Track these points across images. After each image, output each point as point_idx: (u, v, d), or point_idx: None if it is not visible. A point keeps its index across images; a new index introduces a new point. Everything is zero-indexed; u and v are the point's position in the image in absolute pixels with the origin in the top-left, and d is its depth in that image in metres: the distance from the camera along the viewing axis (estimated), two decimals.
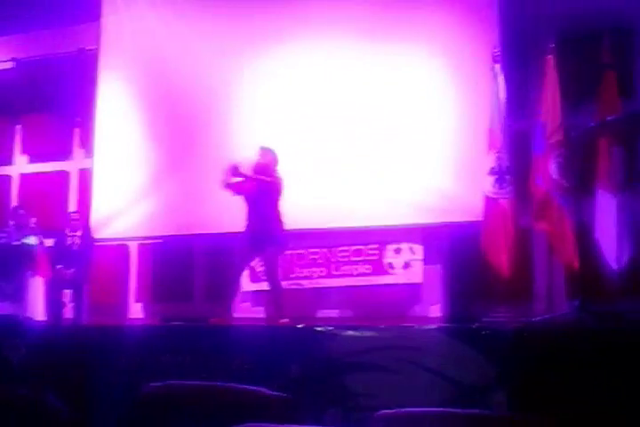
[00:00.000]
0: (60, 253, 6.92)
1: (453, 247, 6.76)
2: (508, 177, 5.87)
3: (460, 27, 6.55)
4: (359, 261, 6.82)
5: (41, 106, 8.55)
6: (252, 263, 6.16)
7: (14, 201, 8.58)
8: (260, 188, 5.62)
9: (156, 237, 7.75)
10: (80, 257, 6.92)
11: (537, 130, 5.98)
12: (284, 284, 6.43)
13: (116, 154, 7.75)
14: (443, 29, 6.61)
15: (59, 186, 8.55)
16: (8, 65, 8.67)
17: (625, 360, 3.35)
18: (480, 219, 5.96)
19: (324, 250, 6.91)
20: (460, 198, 6.33)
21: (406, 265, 6.68)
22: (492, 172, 5.91)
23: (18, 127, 8.98)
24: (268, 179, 5.63)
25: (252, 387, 2.15)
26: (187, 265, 7.77)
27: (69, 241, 6.98)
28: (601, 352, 3.41)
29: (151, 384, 2.09)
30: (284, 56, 7.12)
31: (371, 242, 6.80)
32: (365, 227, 6.68)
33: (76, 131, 8.58)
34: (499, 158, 5.91)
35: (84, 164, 8.29)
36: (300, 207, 6.42)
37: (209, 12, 7.52)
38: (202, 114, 7.38)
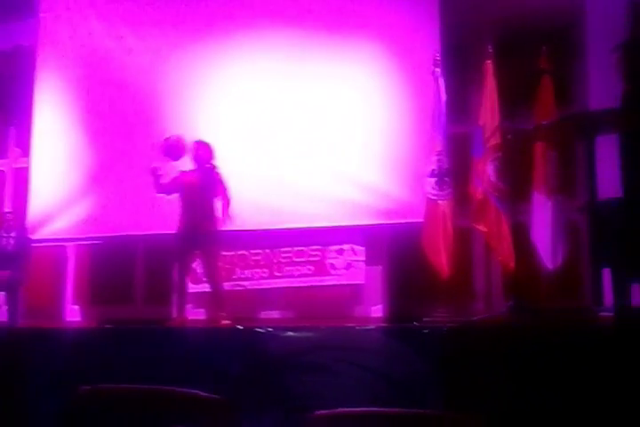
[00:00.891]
0: None
1: (395, 248, 6.84)
2: (447, 179, 5.97)
3: (401, 31, 6.63)
4: (301, 262, 6.83)
5: None
6: (194, 264, 6.08)
7: None
8: (197, 183, 5.52)
9: (94, 238, 7.61)
10: (15, 259, 6.76)
11: (476, 133, 6.10)
12: (226, 285, 6.39)
13: (54, 153, 7.59)
14: (384, 34, 6.67)
15: None
16: None
17: (558, 358, 3.44)
18: (421, 220, 6.05)
19: (267, 251, 6.90)
20: (402, 200, 6.42)
21: (348, 266, 6.72)
22: (433, 174, 6.01)
23: None
24: (208, 166, 5.54)
25: (187, 390, 2.12)
26: (126, 267, 7.66)
27: (4, 242, 6.82)
28: (536, 350, 3.49)
29: (83, 388, 2.05)
30: (221, 54, 7.10)
31: (313, 243, 6.81)
32: (307, 228, 6.69)
33: (12, 129, 8.39)
34: (439, 161, 6.01)
35: (20, 163, 8.11)
36: (243, 208, 6.39)
37: (147, 13, 7.45)
38: (139, 114, 7.30)
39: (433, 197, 5.99)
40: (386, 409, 2.26)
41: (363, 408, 2.05)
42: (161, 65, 7.31)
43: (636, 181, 4.42)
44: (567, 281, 5.50)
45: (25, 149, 7.93)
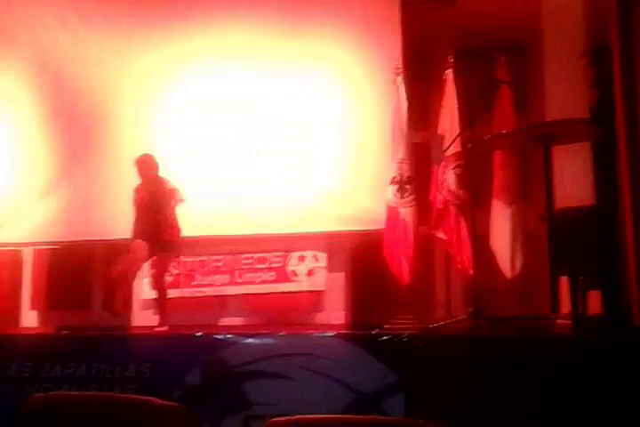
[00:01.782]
0: None
1: (357, 255, 6.85)
2: (408, 186, 6.01)
3: (362, 40, 6.64)
4: (263, 268, 6.80)
5: None
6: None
7: None
8: (147, 196, 5.51)
9: (52, 243, 7.48)
10: None
11: (436, 141, 6.17)
12: (187, 291, 6.36)
13: (10, 154, 7.43)
14: (346, 42, 6.68)
15: None
16: None
17: (516, 365, 3.48)
18: (382, 227, 6.08)
19: (228, 257, 6.86)
20: (364, 207, 6.43)
21: (310, 272, 6.71)
22: (394, 181, 6.05)
23: None
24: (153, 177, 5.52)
25: (143, 397, 2.10)
26: (84, 272, 7.55)
27: None
28: (494, 357, 3.53)
29: (35, 395, 2.01)
30: (181, 55, 7.04)
31: (275, 249, 6.79)
32: (269, 234, 6.67)
33: None
34: (400, 168, 6.06)
35: None
36: (204, 214, 6.36)
37: (107, 12, 7.36)
38: (100, 114, 7.18)
39: (394, 205, 6.03)
40: (344, 416, 2.26)
41: (320, 415, 2.04)
42: (122, 64, 7.21)
43: (603, 191, 4.54)
44: (525, 289, 5.59)
45: None
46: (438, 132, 6.11)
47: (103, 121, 7.19)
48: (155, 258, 5.52)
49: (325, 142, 6.68)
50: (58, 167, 7.27)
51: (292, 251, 6.76)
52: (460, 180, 5.81)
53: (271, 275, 6.79)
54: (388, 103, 6.23)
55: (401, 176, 6.03)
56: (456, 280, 6.41)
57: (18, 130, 7.46)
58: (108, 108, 7.19)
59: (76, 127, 7.24)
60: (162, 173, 5.62)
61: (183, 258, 6.65)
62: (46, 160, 7.32)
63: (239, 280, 6.84)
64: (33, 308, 7.73)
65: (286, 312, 6.53)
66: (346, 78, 6.71)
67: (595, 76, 4.85)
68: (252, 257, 6.83)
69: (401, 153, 6.08)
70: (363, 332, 4.27)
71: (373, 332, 4.04)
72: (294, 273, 6.75)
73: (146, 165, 5.53)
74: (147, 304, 6.66)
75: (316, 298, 6.72)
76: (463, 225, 5.74)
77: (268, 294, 6.74)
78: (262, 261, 6.82)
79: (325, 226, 6.58)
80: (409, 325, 5.23)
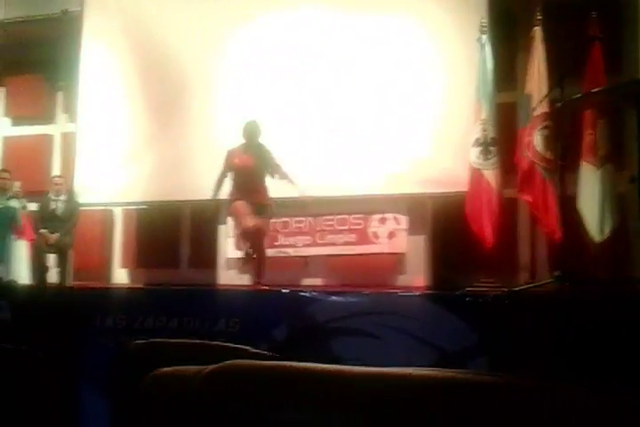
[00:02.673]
0: (44, 218, 6.90)
1: (438, 218, 6.81)
2: (492, 148, 5.90)
3: None
4: (344, 230, 6.84)
5: (24, 68, 8.45)
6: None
7: None
8: (248, 160, 5.61)
9: (141, 203, 7.73)
10: (64, 222, 6.90)
11: (523, 102, 6.01)
12: (270, 252, 6.46)
13: (100, 118, 7.66)
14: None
15: (42, 150, 8.50)
16: None
17: (602, 327, 3.42)
18: (465, 190, 6.00)
19: (310, 219, 6.93)
20: (446, 169, 6.36)
21: (391, 235, 6.72)
22: (477, 143, 5.94)
23: (1, 89, 8.89)
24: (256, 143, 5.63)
25: (237, 346, 2.17)
26: (172, 231, 7.78)
27: (53, 205, 6.96)
28: (580, 320, 3.48)
29: (136, 341, 2.11)
30: (269, 25, 7.07)
31: (356, 211, 6.82)
32: (350, 196, 6.70)
33: (60, 94, 8.51)
34: (484, 130, 5.94)
35: (68, 128, 8.23)
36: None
37: None
38: (187, 78, 7.32)
39: (477, 167, 5.94)
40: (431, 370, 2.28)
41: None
42: (209, 32, 7.29)
43: None
44: (614, 252, 5.43)
45: (72, 114, 8.02)
46: (525, 93, 5.94)
47: (192, 85, 7.31)
48: (252, 220, 5.61)
49: (408, 104, 6.61)
50: (147, 130, 7.46)
51: (373, 213, 6.77)
52: (548, 141, 5.66)
53: (352, 237, 6.82)
54: (473, 63, 6.09)
55: (485, 138, 5.92)
56: (541, 244, 6.28)
57: (108, 94, 7.67)
58: (197, 73, 7.31)
59: (165, 91, 7.39)
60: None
61: None
62: (135, 124, 7.52)
63: (320, 242, 6.90)
64: (123, 266, 8.05)
65: (367, 274, 6.57)
66: (430, 38, 6.60)
67: None
68: (334, 219, 6.88)
69: (485, 114, 5.96)
70: (447, 292, 4.27)
71: (457, 293, 4.04)
72: (375, 235, 6.76)
73: (252, 131, 5.65)
74: (231, 263, 6.84)
75: (396, 260, 6.74)
76: (549, 187, 5.60)
77: (349, 255, 6.78)
78: (343, 222, 6.86)
79: (407, 188, 6.56)
80: (491, 287, 5.18)
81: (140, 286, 7.10)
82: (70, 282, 7.00)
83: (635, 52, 5.90)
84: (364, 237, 6.78)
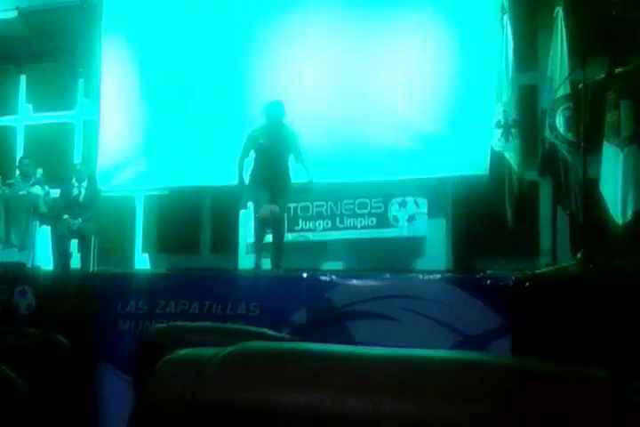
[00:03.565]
0: (66, 204, 6.96)
1: (459, 201, 6.77)
2: (514, 130, 5.85)
3: None
4: (364, 213, 6.83)
5: (45, 55, 8.49)
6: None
7: (20, 151, 8.60)
8: (271, 140, 5.61)
9: (161, 189, 7.77)
10: (86, 208, 6.96)
11: (544, 83, 5.94)
12: (290, 236, 6.47)
13: (122, 104, 7.69)
14: None
15: (64, 136, 8.57)
16: (12, 14, 8.54)
17: (625, 310, 3.40)
18: (486, 172, 5.96)
19: (329, 203, 6.92)
20: (467, 152, 6.31)
21: (411, 218, 6.69)
22: (499, 125, 5.89)
23: (22, 77, 8.95)
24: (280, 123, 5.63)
25: (258, 328, 2.18)
26: (193, 217, 7.82)
27: (75, 191, 7.01)
28: (602, 303, 3.46)
29: (157, 325, 2.13)
30: (290, 10, 7.03)
31: (376, 195, 6.80)
32: (370, 180, 6.68)
33: (81, 81, 8.54)
34: (505, 111, 5.89)
35: (89, 114, 8.28)
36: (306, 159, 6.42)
37: None
38: (208, 63, 7.31)
39: (499, 149, 5.89)
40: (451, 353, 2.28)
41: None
42: (228, 19, 7.27)
43: None
44: (637, 234, 5.37)
45: (94, 100, 8.06)
46: (547, 74, 5.87)
47: (213, 74, 7.30)
48: (269, 207, 5.62)
49: (428, 85, 6.55)
50: (168, 117, 7.47)
51: (392, 197, 6.75)
52: (570, 122, 5.59)
53: (372, 220, 6.81)
54: (494, 44, 6.02)
55: (506, 119, 5.87)
56: (563, 226, 6.23)
57: (129, 81, 7.69)
58: (219, 58, 7.29)
59: (186, 77, 7.39)
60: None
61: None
62: (157, 111, 7.54)
63: (340, 225, 6.90)
64: (145, 251, 8.12)
65: (387, 258, 6.56)
66: (451, 18, 6.53)
67: None
68: (354, 202, 6.86)
69: (506, 95, 5.90)
70: (468, 275, 4.25)
71: (478, 276, 4.02)
72: (395, 219, 6.74)
73: (277, 111, 5.62)
74: (252, 248, 6.86)
75: (416, 244, 6.71)
76: (572, 170, 5.54)
77: (369, 239, 6.77)
78: (363, 206, 6.84)
79: (427, 171, 6.52)
80: (513, 270, 5.16)
81: (162, 271, 7.15)
82: (93, 267, 7.07)
83: None
84: (384, 221, 6.76)
